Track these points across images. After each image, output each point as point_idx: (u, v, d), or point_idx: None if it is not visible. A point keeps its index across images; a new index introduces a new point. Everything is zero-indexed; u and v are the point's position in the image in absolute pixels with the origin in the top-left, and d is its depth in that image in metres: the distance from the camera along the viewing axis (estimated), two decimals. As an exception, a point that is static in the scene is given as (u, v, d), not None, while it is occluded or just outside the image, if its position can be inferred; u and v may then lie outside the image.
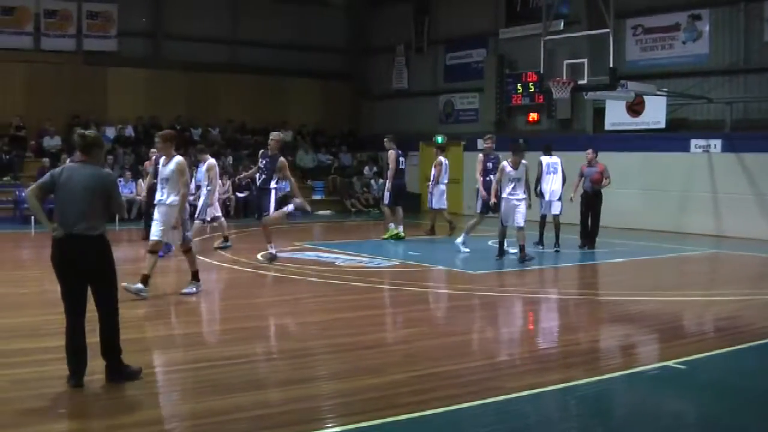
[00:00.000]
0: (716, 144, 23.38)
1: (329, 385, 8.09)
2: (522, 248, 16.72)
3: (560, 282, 14.97)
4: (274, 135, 16.94)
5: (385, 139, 21.82)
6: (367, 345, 9.86)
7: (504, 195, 16.79)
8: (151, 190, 16.19)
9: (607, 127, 25.95)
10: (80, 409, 7.20)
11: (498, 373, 8.59)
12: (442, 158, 22.28)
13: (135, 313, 11.20)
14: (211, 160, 17.91)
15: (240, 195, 28.43)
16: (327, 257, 17.42)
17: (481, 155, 19.07)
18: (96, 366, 7.64)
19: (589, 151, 19.25)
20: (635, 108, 24.97)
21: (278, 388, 7.83)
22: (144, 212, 19.86)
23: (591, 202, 18.94)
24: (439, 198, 22.13)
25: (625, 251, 18.78)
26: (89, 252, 7.46)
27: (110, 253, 7.68)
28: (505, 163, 16.91)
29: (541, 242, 19.27)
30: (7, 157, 26.89)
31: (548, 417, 7.45)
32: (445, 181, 22.25)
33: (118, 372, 7.65)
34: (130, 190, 25.89)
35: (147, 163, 20.63)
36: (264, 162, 16.70)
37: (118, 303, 7.75)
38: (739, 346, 9.88)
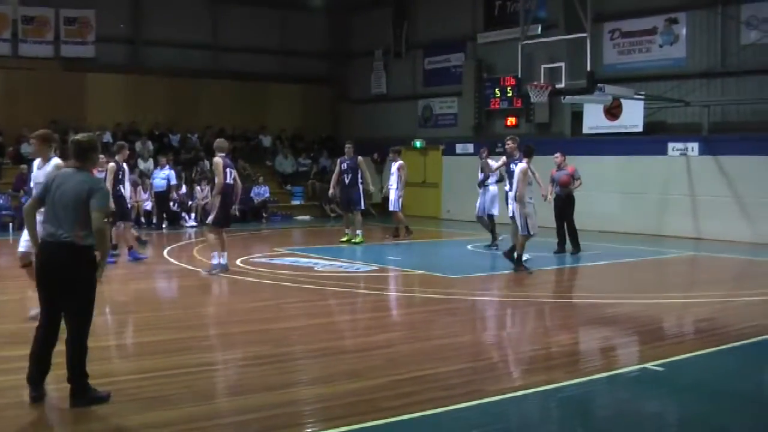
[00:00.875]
0: (694, 147, 23.49)
1: (310, 390, 8.10)
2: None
3: (539, 285, 15.01)
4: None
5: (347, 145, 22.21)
6: (348, 349, 9.87)
7: (526, 200, 16.07)
8: None
9: (585, 130, 26.04)
10: (55, 416, 7.19)
11: (479, 376, 8.61)
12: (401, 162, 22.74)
13: (109, 319, 11.20)
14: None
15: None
16: (306, 262, 17.40)
17: (502, 159, 18.08)
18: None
19: (557, 154, 19.46)
20: (613, 111, 25.07)
21: (259, 394, 7.82)
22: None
23: (563, 206, 19.07)
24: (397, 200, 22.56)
25: (604, 254, 18.87)
26: (71, 261, 7.23)
27: (93, 268, 7.37)
28: (527, 165, 16.17)
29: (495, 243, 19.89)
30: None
31: (530, 419, 7.49)
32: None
33: (84, 397, 7.28)
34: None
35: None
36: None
37: (89, 323, 7.43)
38: (717, 348, 9.95)
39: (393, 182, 22.75)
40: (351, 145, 22.18)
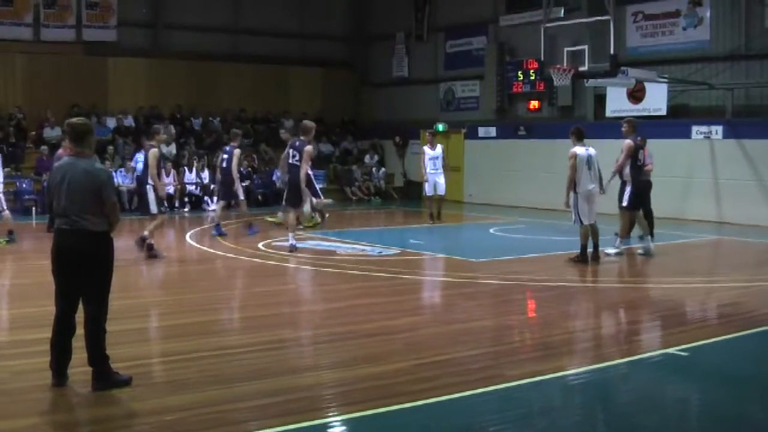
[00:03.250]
0: (717, 130, 23.33)
1: (332, 374, 8.09)
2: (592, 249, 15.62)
3: (561, 269, 14.93)
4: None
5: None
6: (370, 333, 9.85)
7: (587, 188, 15.23)
8: None
9: (608, 114, 25.88)
10: (77, 400, 7.21)
11: (500, 360, 8.59)
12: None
13: (131, 303, 11.24)
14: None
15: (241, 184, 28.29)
16: (328, 246, 17.40)
17: (628, 142, 16.38)
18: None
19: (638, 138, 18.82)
20: (636, 95, 24.92)
21: (280, 378, 7.82)
22: None
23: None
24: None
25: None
26: (86, 248, 7.27)
27: (109, 252, 7.46)
28: (590, 150, 15.44)
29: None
30: (10, 149, 26.83)
31: (550, 404, 7.45)
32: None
33: (105, 380, 7.33)
34: (131, 180, 25.88)
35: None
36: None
37: (107, 306, 7.48)
38: (740, 333, 9.87)
39: (439, 166, 22.45)
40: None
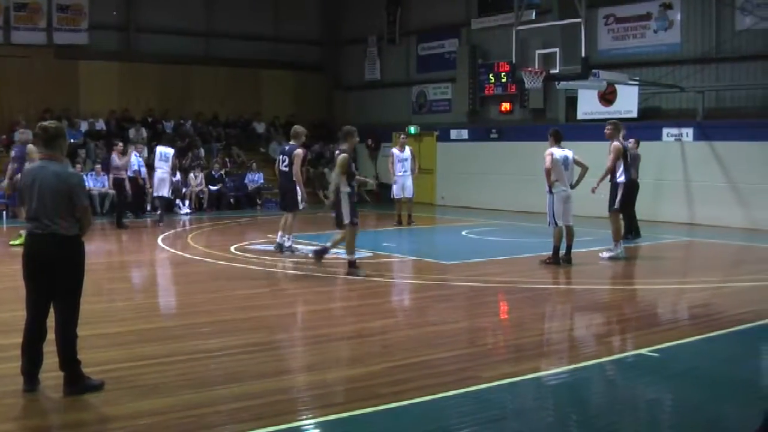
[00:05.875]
0: (688, 132, 23.51)
1: (306, 377, 8.10)
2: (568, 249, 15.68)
3: (533, 271, 14.98)
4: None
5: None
6: (344, 336, 9.86)
7: (561, 189, 15.34)
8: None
9: (580, 116, 26.02)
10: (49, 405, 7.17)
11: (474, 362, 8.60)
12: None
13: (109, 307, 11.20)
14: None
15: (213, 188, 28.30)
16: (300, 249, 17.36)
17: (616, 144, 16.28)
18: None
19: (632, 140, 19.26)
20: (607, 97, 25.08)
21: (255, 381, 7.81)
22: None
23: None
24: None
25: (598, 240, 18.81)
26: (58, 251, 7.23)
27: (80, 256, 7.43)
28: (567, 152, 15.52)
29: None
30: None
31: (525, 406, 7.48)
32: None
33: (77, 384, 7.28)
34: (102, 183, 25.81)
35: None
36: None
37: (78, 311, 7.43)
38: (712, 334, 9.95)
39: (408, 168, 22.50)
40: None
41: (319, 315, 11.21)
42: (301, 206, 16.93)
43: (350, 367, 8.30)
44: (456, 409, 7.13)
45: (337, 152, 14.65)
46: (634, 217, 18.92)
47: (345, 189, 14.01)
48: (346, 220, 14.06)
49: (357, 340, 9.65)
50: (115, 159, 22.62)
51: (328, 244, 14.66)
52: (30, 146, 16.33)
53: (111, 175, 23.44)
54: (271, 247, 17.08)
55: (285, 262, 15.81)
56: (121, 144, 23.50)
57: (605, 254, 16.08)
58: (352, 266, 14.15)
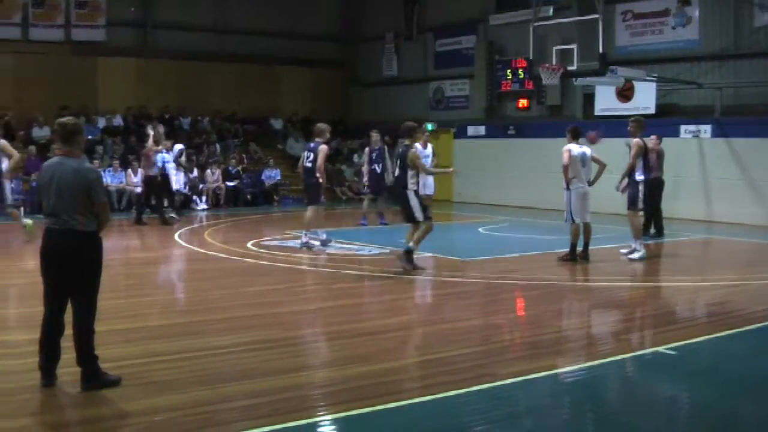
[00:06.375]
0: (706, 129, 23.40)
1: (321, 374, 8.10)
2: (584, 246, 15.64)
3: (551, 268, 14.93)
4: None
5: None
6: (359, 333, 9.84)
7: (578, 186, 15.30)
8: None
9: (597, 112, 25.94)
10: (66, 400, 7.19)
11: (489, 359, 8.59)
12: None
13: (120, 303, 11.22)
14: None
15: (230, 184, 28.35)
16: (317, 245, 17.36)
17: (637, 140, 16.02)
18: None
19: (654, 137, 19.07)
20: (625, 93, 24.98)
21: (269, 378, 7.80)
22: None
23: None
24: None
25: (616, 237, 18.75)
26: (74, 247, 7.25)
27: (98, 252, 7.44)
28: (584, 149, 15.62)
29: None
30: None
31: (540, 403, 7.45)
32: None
33: (94, 380, 7.32)
34: (119, 180, 25.88)
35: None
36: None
37: (95, 306, 7.45)
38: (729, 332, 9.89)
39: (430, 165, 22.16)
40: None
41: (334, 312, 11.20)
42: (321, 199, 17.03)
43: (364, 364, 8.27)
44: (471, 406, 7.12)
45: (400, 149, 14.65)
46: (660, 215, 18.86)
47: (412, 186, 14.10)
48: (420, 217, 14.09)
49: (372, 337, 9.62)
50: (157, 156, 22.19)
51: (411, 244, 14.36)
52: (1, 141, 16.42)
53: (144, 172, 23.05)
54: (288, 244, 17.09)
55: (302, 258, 15.80)
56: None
57: (633, 255, 15.85)
58: (409, 255, 14.14)
